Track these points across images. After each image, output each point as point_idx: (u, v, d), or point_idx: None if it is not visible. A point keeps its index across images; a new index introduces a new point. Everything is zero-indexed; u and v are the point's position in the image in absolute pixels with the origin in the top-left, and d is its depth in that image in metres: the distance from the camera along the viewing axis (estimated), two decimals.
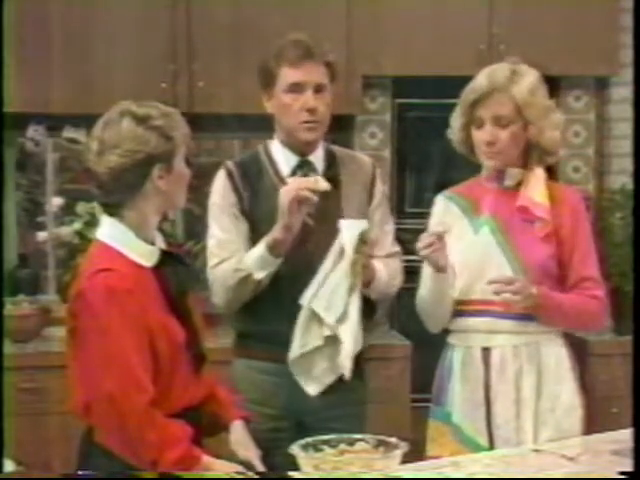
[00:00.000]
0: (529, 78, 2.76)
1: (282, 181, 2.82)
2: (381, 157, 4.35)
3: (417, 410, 3.56)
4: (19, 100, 3.92)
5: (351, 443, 2.15)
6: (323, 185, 2.66)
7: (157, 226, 2.40)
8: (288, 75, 2.77)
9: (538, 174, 2.81)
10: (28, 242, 4.73)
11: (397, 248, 2.97)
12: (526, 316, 2.72)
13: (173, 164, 2.31)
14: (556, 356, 2.78)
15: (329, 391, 2.79)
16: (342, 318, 2.71)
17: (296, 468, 2.10)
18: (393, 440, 2.13)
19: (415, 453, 2.44)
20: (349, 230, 2.67)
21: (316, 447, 2.12)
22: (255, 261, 2.73)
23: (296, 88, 2.78)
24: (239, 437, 2.49)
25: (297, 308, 2.73)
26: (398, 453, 2.09)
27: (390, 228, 2.97)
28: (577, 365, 2.85)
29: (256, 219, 2.82)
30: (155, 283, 2.31)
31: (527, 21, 4.25)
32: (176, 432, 2.25)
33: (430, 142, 4.34)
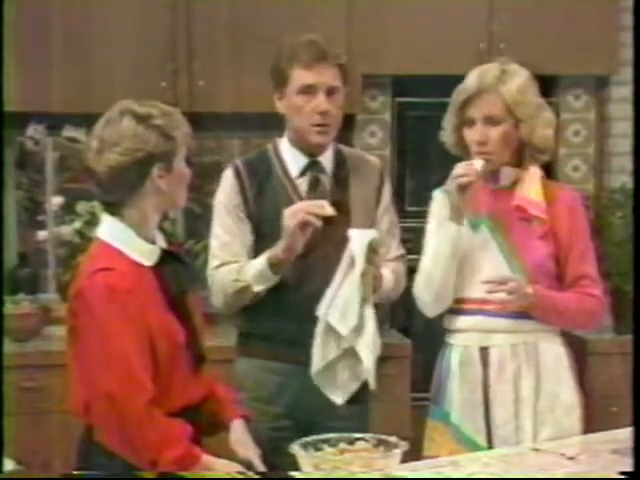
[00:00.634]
0: (518, 77, 2.76)
1: (290, 181, 2.83)
2: (381, 156, 4.35)
3: (417, 409, 3.55)
4: (19, 99, 3.91)
5: (351, 442, 2.15)
6: (329, 210, 2.63)
7: (157, 225, 2.40)
8: (301, 76, 2.75)
9: (533, 173, 2.80)
10: (28, 241, 4.73)
11: (402, 251, 2.96)
12: (523, 315, 2.72)
13: (173, 163, 2.31)
14: (555, 355, 2.78)
15: None
16: (357, 329, 2.67)
17: (300, 467, 2.09)
18: (393, 439, 2.13)
19: (415, 452, 2.45)
20: (358, 239, 2.64)
21: (316, 446, 2.12)
22: (255, 275, 2.73)
23: (308, 90, 2.76)
24: (239, 436, 2.48)
25: (300, 307, 2.73)
26: (398, 452, 2.09)
27: (397, 230, 2.97)
28: (576, 364, 2.86)
29: (261, 219, 2.81)
30: (155, 282, 2.31)
31: (527, 20, 4.25)
32: (176, 431, 2.25)
33: (430, 141, 4.30)
